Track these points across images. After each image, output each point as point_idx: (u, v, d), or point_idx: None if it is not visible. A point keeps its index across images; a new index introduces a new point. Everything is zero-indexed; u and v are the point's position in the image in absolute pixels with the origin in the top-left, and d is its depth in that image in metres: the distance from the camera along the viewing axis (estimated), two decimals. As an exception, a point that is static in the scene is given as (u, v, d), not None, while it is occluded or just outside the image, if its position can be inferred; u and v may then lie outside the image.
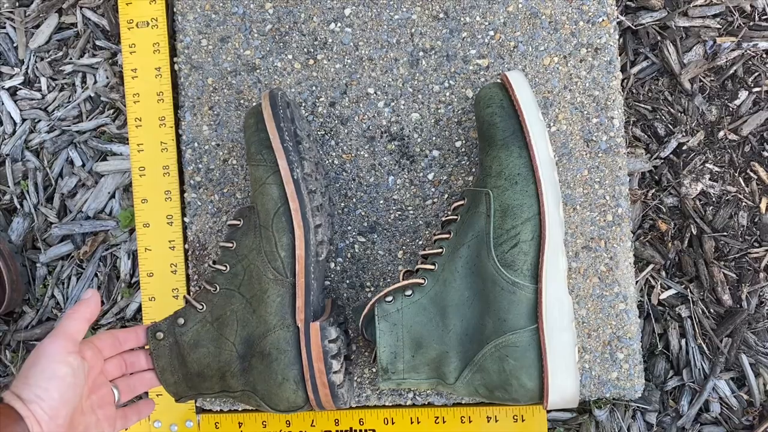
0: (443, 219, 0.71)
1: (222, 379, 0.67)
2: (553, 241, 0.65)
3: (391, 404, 0.78)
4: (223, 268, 0.68)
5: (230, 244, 0.68)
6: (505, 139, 0.66)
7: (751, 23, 0.83)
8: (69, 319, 0.59)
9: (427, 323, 0.66)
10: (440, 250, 0.68)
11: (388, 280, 0.77)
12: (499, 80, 0.75)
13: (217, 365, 0.67)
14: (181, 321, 0.68)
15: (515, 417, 0.77)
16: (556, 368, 0.64)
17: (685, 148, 0.82)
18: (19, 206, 0.85)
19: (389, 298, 0.68)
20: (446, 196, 0.77)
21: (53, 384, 0.55)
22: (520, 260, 0.65)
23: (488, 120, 0.67)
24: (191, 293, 0.77)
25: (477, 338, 0.65)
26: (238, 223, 0.68)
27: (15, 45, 0.86)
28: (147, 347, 0.68)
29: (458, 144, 0.77)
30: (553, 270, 0.65)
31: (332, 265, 0.77)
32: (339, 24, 0.77)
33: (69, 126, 0.85)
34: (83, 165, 0.85)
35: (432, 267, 0.68)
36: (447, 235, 0.68)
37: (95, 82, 0.85)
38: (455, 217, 0.69)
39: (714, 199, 0.82)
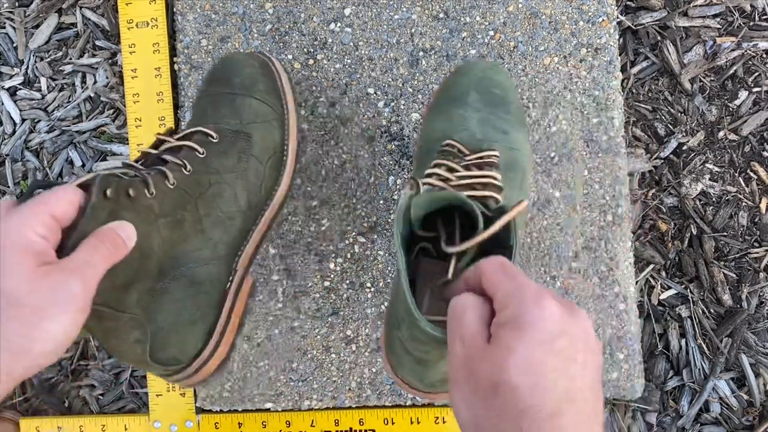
0: None
1: (125, 289, 0.51)
2: None
3: (390, 404, 0.78)
4: (186, 166, 0.57)
5: (200, 149, 0.59)
6: None
7: (751, 23, 0.83)
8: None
9: None
10: None
11: (388, 280, 0.77)
12: None
13: (134, 267, 0.51)
14: (152, 191, 0.53)
15: (515, 417, 0.77)
16: None
17: (685, 148, 0.82)
18: (18, 206, 0.85)
19: None
20: (446, 196, 0.77)
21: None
22: None
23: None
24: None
25: None
26: (213, 136, 0.61)
27: (15, 45, 0.86)
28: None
29: (458, 144, 0.77)
30: None
31: (332, 265, 0.77)
32: (339, 24, 0.77)
33: (69, 126, 0.85)
34: (83, 165, 0.85)
35: None
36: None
37: (95, 82, 0.85)
38: None
39: (714, 199, 0.82)
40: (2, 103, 0.85)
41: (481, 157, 0.57)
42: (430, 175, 0.55)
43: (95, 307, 0.45)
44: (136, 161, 0.57)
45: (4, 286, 0.39)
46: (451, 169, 0.55)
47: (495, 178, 0.54)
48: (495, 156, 0.57)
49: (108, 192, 0.48)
